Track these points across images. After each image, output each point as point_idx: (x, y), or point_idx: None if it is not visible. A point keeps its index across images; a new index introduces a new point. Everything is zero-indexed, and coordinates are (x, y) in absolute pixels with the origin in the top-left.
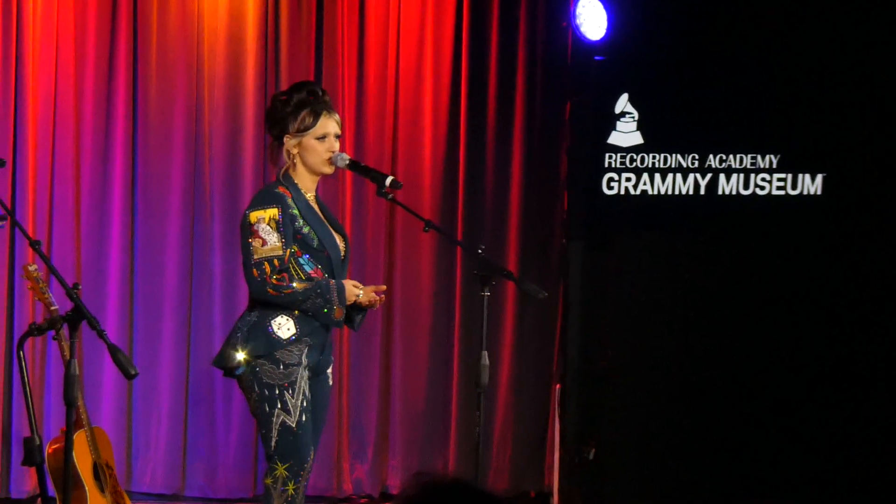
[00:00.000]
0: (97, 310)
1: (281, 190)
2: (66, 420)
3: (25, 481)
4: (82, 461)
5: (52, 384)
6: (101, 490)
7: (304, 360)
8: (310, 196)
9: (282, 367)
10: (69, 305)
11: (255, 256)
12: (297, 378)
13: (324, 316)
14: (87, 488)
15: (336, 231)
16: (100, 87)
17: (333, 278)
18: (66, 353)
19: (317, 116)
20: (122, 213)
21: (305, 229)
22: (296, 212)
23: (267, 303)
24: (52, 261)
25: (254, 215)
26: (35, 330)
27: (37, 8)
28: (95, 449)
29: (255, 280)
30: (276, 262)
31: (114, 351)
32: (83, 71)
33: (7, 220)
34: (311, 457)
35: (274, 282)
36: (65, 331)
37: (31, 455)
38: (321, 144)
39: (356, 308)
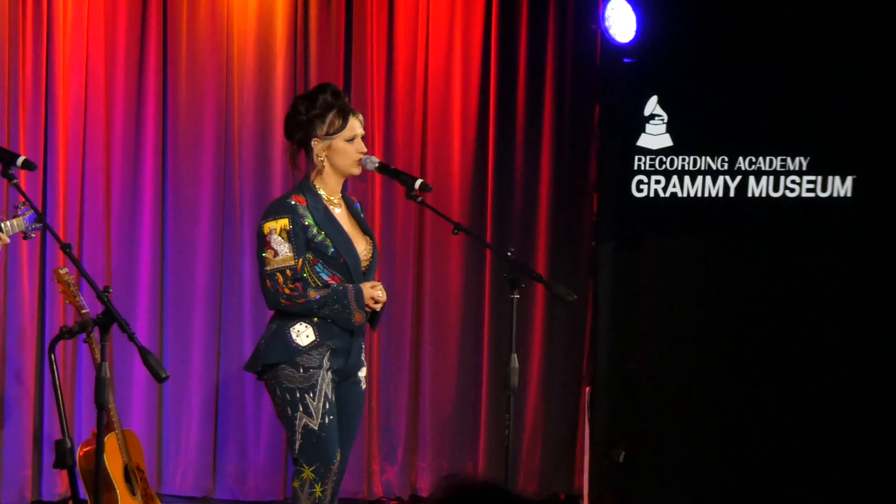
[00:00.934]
0: (128, 313)
1: (294, 199)
2: (97, 423)
3: (57, 484)
4: (113, 464)
5: (83, 387)
6: (132, 492)
7: (326, 364)
8: (334, 199)
9: (301, 370)
10: (100, 308)
11: (268, 267)
12: (317, 381)
13: (344, 321)
14: (118, 491)
15: (365, 234)
16: (130, 91)
17: (352, 283)
18: (97, 355)
19: (345, 118)
20: (152, 216)
21: (320, 237)
22: (309, 220)
23: (284, 312)
24: (83, 264)
25: (266, 226)
26: (66, 333)
27: (67, 13)
28: (126, 451)
29: (268, 291)
30: (288, 272)
31: (144, 354)
32: (113, 74)
33: (39, 224)
34: (338, 458)
35: (287, 292)
36: (96, 334)
37: (63, 458)
38: (351, 146)
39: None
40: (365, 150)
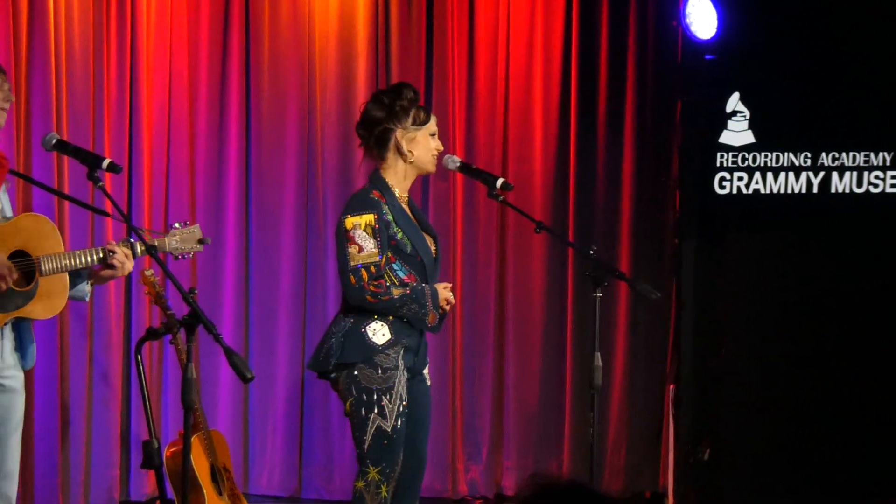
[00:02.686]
0: (213, 314)
1: (375, 195)
2: (183, 423)
3: (145, 484)
4: (200, 464)
5: (169, 388)
6: (219, 492)
7: (401, 363)
8: (403, 197)
9: (380, 371)
10: (186, 310)
11: (352, 263)
12: (395, 383)
13: (419, 321)
14: (204, 491)
15: (427, 232)
16: (213, 93)
17: (426, 282)
18: (183, 356)
19: (428, 114)
20: (236, 217)
21: (399, 235)
22: (390, 217)
23: (363, 309)
24: (168, 266)
25: (349, 221)
26: (152, 334)
27: (150, 17)
28: (213, 452)
29: (352, 287)
30: (372, 268)
31: (230, 354)
32: (196, 77)
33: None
34: (401, 459)
35: (372, 288)
36: (181, 335)
37: (150, 458)
38: (432, 141)
39: None
40: (442, 147)
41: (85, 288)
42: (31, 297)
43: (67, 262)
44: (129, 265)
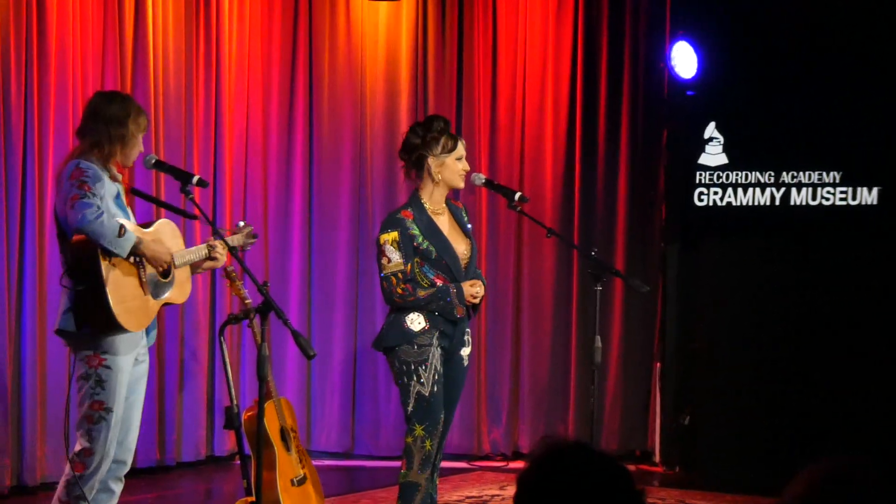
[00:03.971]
0: (282, 302)
1: (402, 214)
2: (258, 392)
3: (226, 442)
4: (271, 425)
5: (246, 363)
6: (287, 449)
7: (435, 342)
8: (438, 209)
9: (416, 347)
10: (260, 299)
11: (384, 272)
12: (428, 356)
13: (447, 314)
14: (275, 448)
15: (465, 236)
16: (282, 122)
17: (455, 281)
18: (258, 337)
19: (455, 141)
20: (301, 222)
21: (424, 245)
22: (415, 231)
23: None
24: (246, 262)
25: (381, 238)
26: (233, 319)
27: (232, 57)
28: (282, 415)
29: (385, 290)
30: (399, 275)
31: (296, 335)
32: (269, 108)
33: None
34: (442, 418)
35: (399, 291)
36: (257, 320)
37: (231, 421)
38: (460, 163)
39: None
40: (468, 167)
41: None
42: (171, 285)
43: (190, 256)
44: (225, 257)
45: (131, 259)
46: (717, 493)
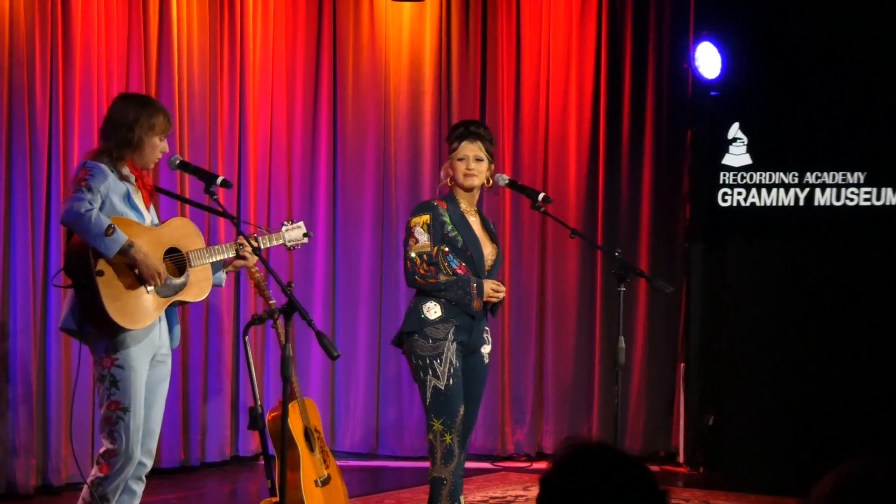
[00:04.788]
0: (306, 303)
1: (437, 202)
2: (282, 392)
3: (250, 442)
4: (295, 426)
5: (270, 364)
6: (311, 449)
7: (451, 337)
8: (470, 210)
9: (430, 341)
10: (284, 300)
11: (410, 252)
12: (443, 350)
13: (465, 305)
14: (299, 448)
15: (492, 241)
16: (307, 123)
17: (476, 275)
18: (282, 338)
19: (460, 142)
20: (325, 223)
21: (453, 233)
22: (447, 219)
23: (420, 291)
24: (270, 263)
25: (413, 220)
26: (257, 320)
27: (256, 60)
28: (306, 416)
29: (407, 270)
30: (424, 256)
31: (320, 336)
32: (293, 110)
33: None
34: (461, 413)
35: (421, 272)
36: (281, 320)
37: (255, 421)
38: (461, 164)
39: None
40: (472, 168)
41: (221, 276)
42: (183, 285)
43: (210, 255)
44: (255, 257)
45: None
46: (742, 494)
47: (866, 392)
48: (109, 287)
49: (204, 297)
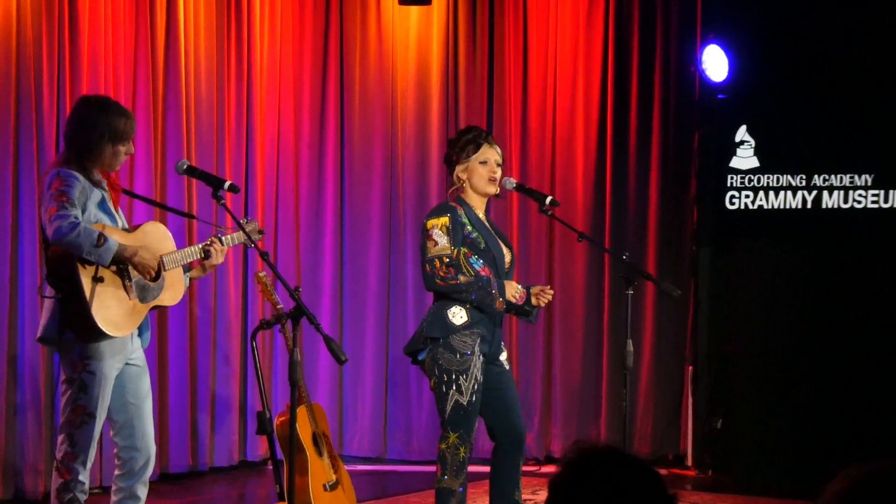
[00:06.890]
0: (314, 308)
1: (454, 204)
2: (290, 397)
3: (258, 447)
4: (304, 431)
5: (278, 368)
6: (319, 454)
7: (477, 350)
8: (481, 216)
9: (458, 356)
10: (292, 304)
11: (429, 255)
12: (470, 366)
13: (487, 305)
14: (308, 453)
15: (504, 244)
16: (314, 128)
17: (499, 276)
18: (290, 343)
19: (478, 146)
20: (333, 227)
21: (474, 234)
22: (465, 220)
23: (441, 294)
24: (278, 268)
25: (430, 222)
26: (265, 324)
27: (263, 65)
28: (314, 420)
29: (427, 273)
30: (444, 258)
31: (328, 341)
32: (300, 115)
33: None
34: (475, 427)
35: (441, 274)
36: (288, 325)
37: (263, 426)
38: (484, 168)
39: (531, 304)
40: (496, 171)
41: (186, 279)
42: (161, 288)
43: (182, 258)
44: (222, 256)
45: (112, 267)
46: (751, 497)
47: (875, 394)
48: (97, 296)
49: (179, 300)
